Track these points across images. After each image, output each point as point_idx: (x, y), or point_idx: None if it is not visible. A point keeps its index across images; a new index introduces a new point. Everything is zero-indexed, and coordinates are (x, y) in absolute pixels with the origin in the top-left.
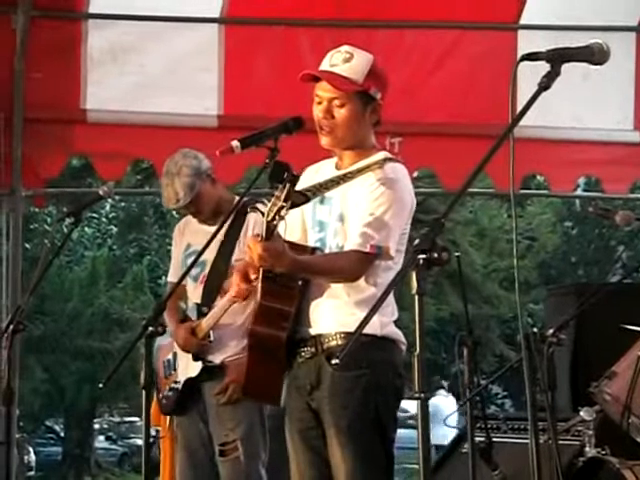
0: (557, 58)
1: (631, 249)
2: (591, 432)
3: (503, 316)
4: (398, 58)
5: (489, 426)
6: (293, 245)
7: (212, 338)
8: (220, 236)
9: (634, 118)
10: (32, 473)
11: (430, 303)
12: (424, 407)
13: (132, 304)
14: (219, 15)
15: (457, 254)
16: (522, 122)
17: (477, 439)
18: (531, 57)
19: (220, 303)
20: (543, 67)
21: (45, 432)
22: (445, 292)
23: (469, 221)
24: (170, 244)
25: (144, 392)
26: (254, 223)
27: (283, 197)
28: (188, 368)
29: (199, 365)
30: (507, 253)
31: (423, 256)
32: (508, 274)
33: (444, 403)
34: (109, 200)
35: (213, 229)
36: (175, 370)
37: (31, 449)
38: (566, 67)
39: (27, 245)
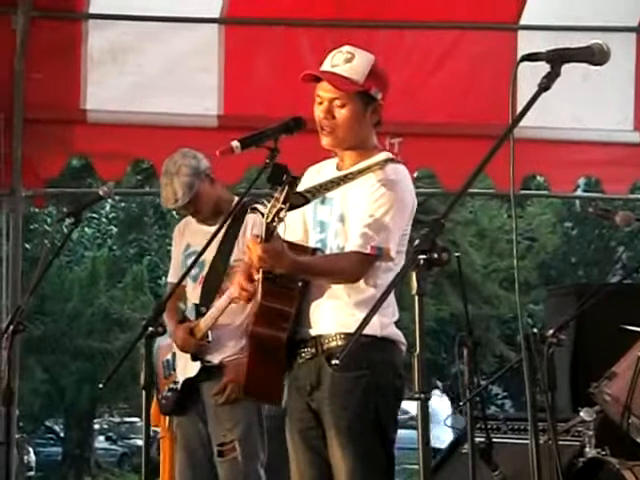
0: (557, 59)
1: (631, 250)
2: (591, 432)
3: (503, 316)
4: (398, 58)
5: (489, 427)
6: (293, 246)
7: (210, 338)
8: (219, 236)
9: (634, 119)
10: (32, 473)
11: (430, 303)
12: (424, 407)
13: (132, 304)
14: (219, 15)
15: (457, 254)
16: (522, 122)
17: (477, 440)
18: (531, 58)
19: (218, 303)
20: (543, 67)
21: (45, 432)
22: (445, 292)
23: (469, 221)
24: (170, 244)
25: (144, 392)
26: (252, 224)
27: (282, 199)
28: (187, 368)
29: (197, 365)
30: (507, 253)
31: (423, 256)
32: (508, 274)
33: (438, 404)
34: (109, 200)
35: (212, 229)
36: (174, 370)
37: (31, 449)
38: (566, 68)
39: (27, 245)
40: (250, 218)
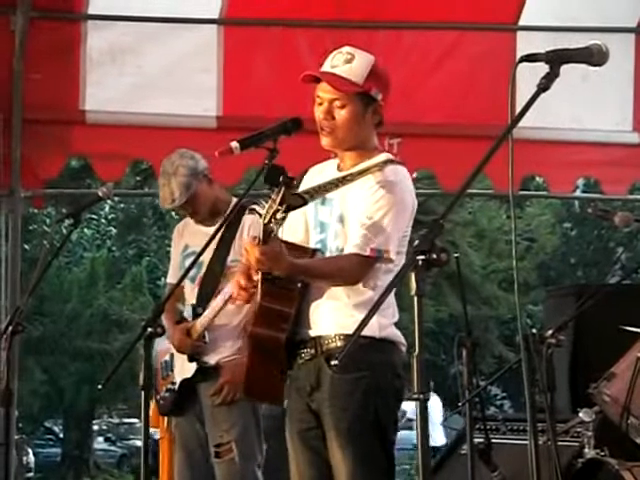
0: (556, 59)
1: (630, 250)
2: (590, 433)
3: (502, 317)
4: (397, 59)
5: (488, 427)
6: (293, 246)
7: (207, 339)
8: (217, 237)
9: (633, 119)
10: (31, 474)
11: (429, 304)
12: (423, 408)
13: (131, 305)
14: (218, 16)
15: (456, 255)
16: (521, 123)
17: (476, 440)
18: (530, 58)
19: (213, 303)
20: (542, 68)
21: (44, 433)
22: (444, 293)
23: (468, 222)
24: (169, 245)
25: (143, 393)
26: (250, 225)
27: (278, 200)
28: (184, 369)
29: (194, 366)
30: (506, 254)
31: (422, 257)
32: (507, 275)
33: (430, 403)
34: (108, 201)
35: (210, 230)
36: (172, 371)
37: (30, 450)
38: (565, 68)
39: (26, 246)
40: (247, 219)
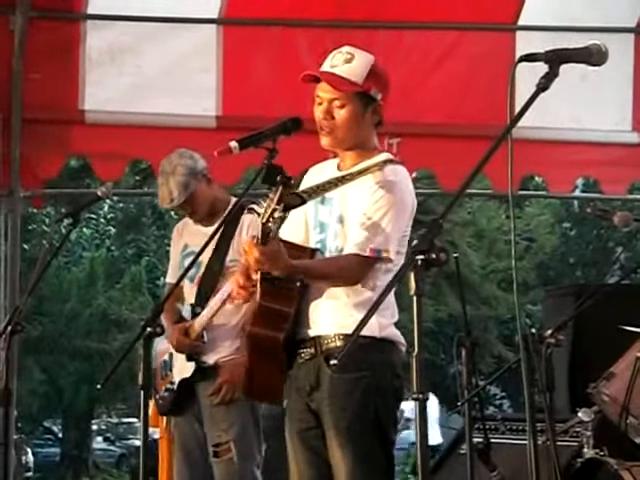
0: (555, 59)
1: (629, 250)
2: (589, 433)
3: (501, 317)
4: (397, 58)
5: (487, 427)
6: (293, 246)
7: (205, 339)
8: (215, 237)
9: (632, 119)
10: (30, 474)
11: (428, 304)
12: (422, 407)
13: (130, 305)
14: (217, 16)
15: (455, 255)
16: (520, 123)
17: (475, 440)
18: (529, 58)
19: (211, 303)
20: (541, 68)
21: (43, 433)
22: (443, 293)
23: (467, 222)
24: (168, 245)
25: (142, 393)
26: (248, 224)
27: (276, 199)
28: (183, 369)
29: (192, 366)
30: (505, 254)
31: (421, 257)
32: (506, 275)
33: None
34: (107, 201)
35: (209, 229)
36: (171, 371)
37: (29, 450)
38: (564, 68)
39: (25, 246)
40: (246, 218)
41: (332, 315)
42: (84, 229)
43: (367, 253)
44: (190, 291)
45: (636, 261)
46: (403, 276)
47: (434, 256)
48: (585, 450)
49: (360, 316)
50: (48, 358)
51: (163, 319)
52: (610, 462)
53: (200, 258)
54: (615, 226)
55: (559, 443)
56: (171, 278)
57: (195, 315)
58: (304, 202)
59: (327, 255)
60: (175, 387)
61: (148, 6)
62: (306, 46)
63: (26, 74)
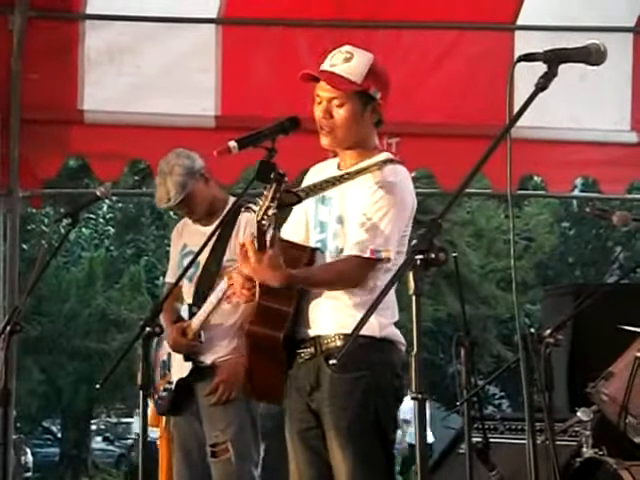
0: (554, 59)
1: (628, 250)
2: (588, 433)
3: (500, 317)
4: (396, 58)
5: (486, 427)
6: (293, 245)
7: (203, 338)
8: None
9: (631, 119)
10: (29, 474)
11: (427, 304)
12: (421, 407)
13: (129, 305)
14: (216, 15)
15: (454, 255)
16: (519, 123)
17: (474, 440)
18: (528, 58)
19: (207, 302)
20: (540, 68)
21: (42, 433)
22: (442, 293)
23: (466, 222)
24: (167, 245)
25: (141, 393)
26: (245, 223)
27: (270, 197)
28: (181, 369)
29: (189, 366)
30: (504, 254)
31: (420, 257)
32: (505, 275)
33: None
34: (106, 201)
35: (207, 229)
36: (169, 370)
37: (28, 450)
38: (563, 68)
39: (24, 246)
40: (243, 217)
41: (332, 315)
42: (83, 229)
43: (367, 254)
44: (189, 291)
45: (635, 261)
46: (402, 276)
47: (433, 256)
48: (584, 450)
49: (360, 316)
50: (47, 358)
51: (162, 319)
52: (609, 462)
53: (198, 258)
54: (614, 226)
55: (558, 443)
56: (170, 278)
57: (193, 315)
58: (300, 200)
59: (327, 255)
60: (173, 387)
61: (147, 6)
62: (305, 46)
63: (25, 74)
